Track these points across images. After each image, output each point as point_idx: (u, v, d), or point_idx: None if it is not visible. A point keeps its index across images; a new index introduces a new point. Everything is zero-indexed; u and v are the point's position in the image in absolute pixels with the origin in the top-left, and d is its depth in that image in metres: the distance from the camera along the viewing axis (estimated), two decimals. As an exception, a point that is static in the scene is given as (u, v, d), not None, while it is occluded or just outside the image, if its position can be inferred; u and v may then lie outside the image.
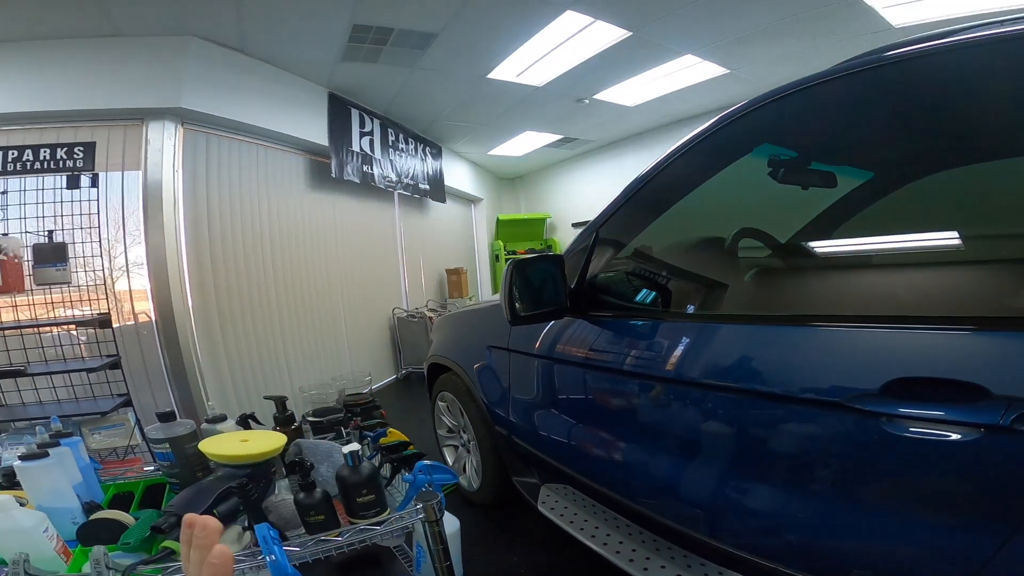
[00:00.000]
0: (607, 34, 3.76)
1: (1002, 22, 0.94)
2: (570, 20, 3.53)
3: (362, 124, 4.99)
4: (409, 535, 1.75)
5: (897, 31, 3.85)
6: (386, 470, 1.74)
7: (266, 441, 1.60)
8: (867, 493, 0.93)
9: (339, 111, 4.67)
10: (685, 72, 4.64)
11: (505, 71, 4.41)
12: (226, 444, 1.57)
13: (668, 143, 1.44)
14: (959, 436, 0.80)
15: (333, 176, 4.50)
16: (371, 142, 5.11)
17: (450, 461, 2.61)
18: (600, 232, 1.51)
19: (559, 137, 6.77)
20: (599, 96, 5.24)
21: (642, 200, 1.49)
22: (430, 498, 1.37)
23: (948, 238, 1.03)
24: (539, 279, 1.43)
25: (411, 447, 1.86)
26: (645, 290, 1.43)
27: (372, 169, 5.07)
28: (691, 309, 1.38)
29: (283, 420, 2.10)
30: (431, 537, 1.38)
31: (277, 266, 4.21)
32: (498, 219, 8.51)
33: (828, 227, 1.33)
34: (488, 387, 2.03)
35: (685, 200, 1.45)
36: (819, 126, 1.27)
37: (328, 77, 4.38)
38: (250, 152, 4.01)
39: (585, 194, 7.99)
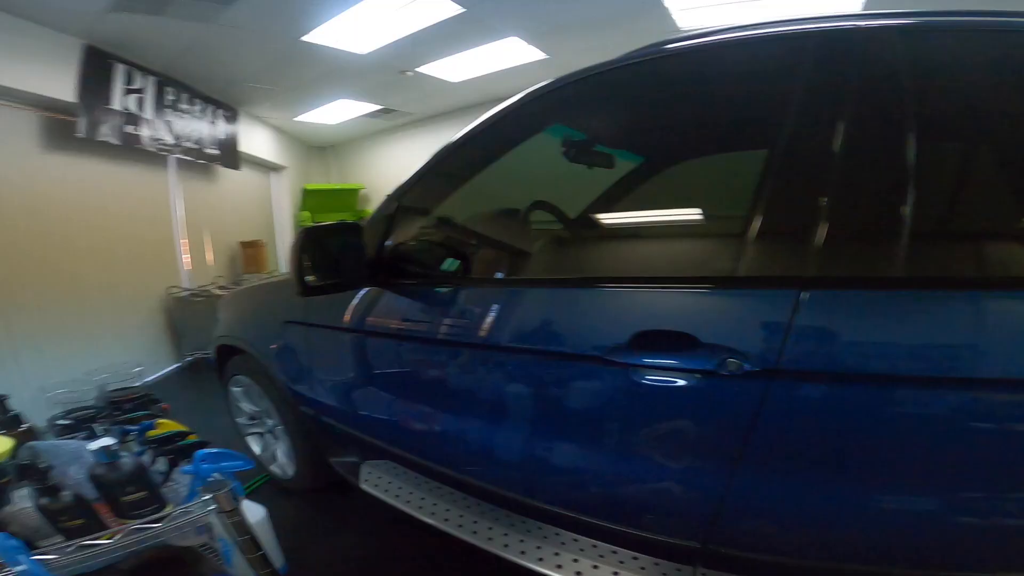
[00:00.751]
0: (441, 7, 3.59)
1: (756, 26, 1.11)
2: (404, -12, 3.28)
3: (129, 80, 4.07)
4: (212, 529, 1.61)
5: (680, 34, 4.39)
6: (162, 464, 1.60)
7: None
8: (633, 441, 1.03)
9: (97, 65, 3.74)
10: (509, 54, 4.69)
11: (325, 35, 3.95)
12: (-80, 457, 1.29)
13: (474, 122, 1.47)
14: (684, 382, 0.92)
15: (81, 136, 3.64)
16: (140, 100, 4.22)
17: (258, 450, 2.38)
18: (402, 201, 1.49)
19: (378, 107, 6.39)
20: (423, 69, 5.05)
21: (444, 171, 1.50)
22: (219, 487, 1.27)
23: (682, 215, 1.29)
24: (332, 249, 1.37)
25: (191, 436, 1.74)
26: (445, 258, 1.44)
27: (139, 130, 4.21)
28: (490, 276, 1.45)
29: (6, 423, 1.77)
30: (231, 528, 1.29)
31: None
32: (305, 189, 7.83)
33: (607, 204, 1.59)
34: (288, 366, 1.87)
35: (485, 172, 1.51)
36: (602, 111, 1.43)
37: (89, 29, 3.47)
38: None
39: (402, 166, 7.56)
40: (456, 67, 5.02)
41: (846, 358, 0.82)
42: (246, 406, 2.35)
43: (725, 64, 1.14)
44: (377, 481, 1.68)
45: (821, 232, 0.86)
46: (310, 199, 7.78)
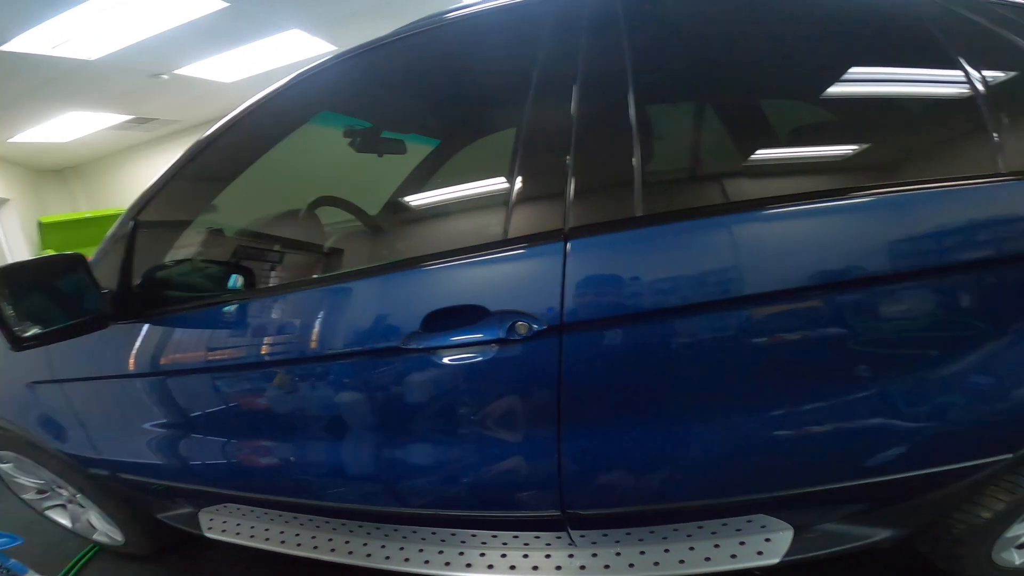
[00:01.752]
0: (199, 3, 3.00)
1: None
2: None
3: None
4: None
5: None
6: None
7: None
8: (459, 425, 1.02)
9: None
10: (291, 48, 4.22)
11: (32, 42, 3.02)
12: None
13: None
14: (484, 355, 0.93)
15: None
16: None
17: (68, 523, 2.01)
18: (141, 218, 1.31)
19: (130, 117, 5.32)
20: (183, 71, 4.31)
21: (196, 176, 1.34)
22: None
23: (456, 192, 1.32)
24: (48, 288, 1.19)
25: None
26: (219, 274, 1.30)
27: None
28: (279, 283, 1.36)
29: None
30: None
31: None
32: (40, 223, 6.40)
33: (398, 190, 1.58)
34: (52, 431, 1.59)
35: (250, 172, 1.38)
36: (382, 93, 1.40)
37: None
38: None
39: (173, 179, 6.58)
40: (228, 66, 4.39)
41: (619, 300, 0.86)
42: (26, 481, 1.95)
43: (483, 35, 1.16)
44: (223, 526, 1.51)
45: (574, 186, 0.91)
46: (50, 234, 6.38)
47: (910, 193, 0.83)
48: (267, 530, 1.45)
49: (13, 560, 1.11)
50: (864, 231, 0.82)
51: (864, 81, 1.04)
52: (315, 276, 1.32)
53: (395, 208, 1.56)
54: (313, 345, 1.09)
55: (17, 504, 2.08)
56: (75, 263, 1.18)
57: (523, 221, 0.94)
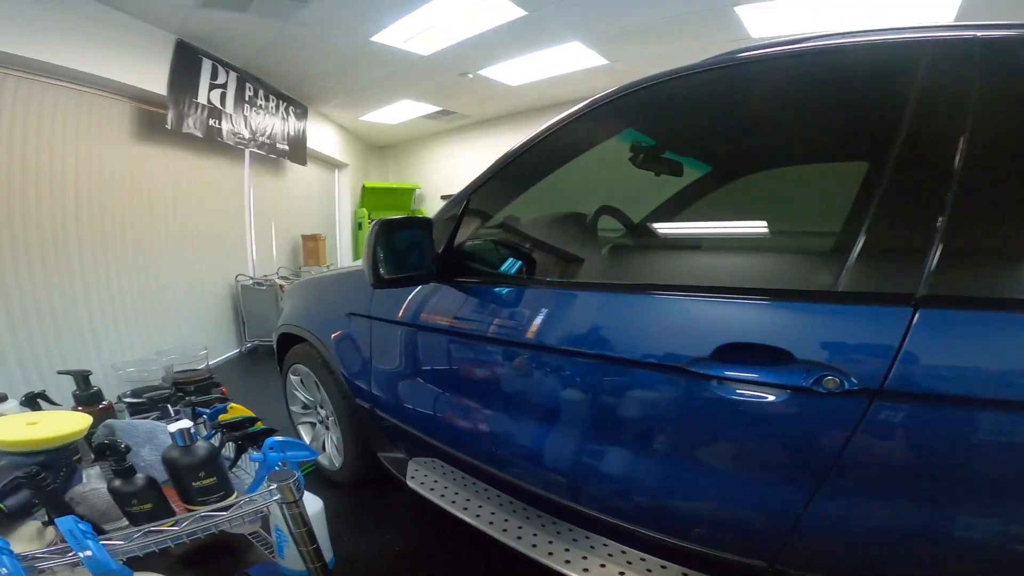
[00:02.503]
0: (503, 10, 3.65)
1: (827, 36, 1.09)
2: (470, -9, 3.36)
3: (214, 76, 4.34)
4: (266, 519, 1.61)
5: (754, 41, 4.27)
6: (229, 450, 1.58)
7: (62, 423, 1.39)
8: (706, 454, 1.01)
9: (187, 60, 4.01)
10: (569, 58, 4.69)
11: (392, 35, 4.09)
12: (9, 428, 1.33)
13: (541, 125, 1.47)
14: (774, 397, 0.90)
15: (169, 128, 3.91)
16: (222, 95, 4.49)
17: (307, 439, 2.43)
18: (470, 201, 1.49)
19: (438, 109, 6.52)
20: (483, 72, 5.12)
21: (513, 173, 1.49)
22: (285, 477, 1.26)
23: (766, 226, 1.27)
24: (405, 243, 1.38)
25: (259, 423, 1.72)
26: (511, 259, 1.44)
27: (220, 124, 4.49)
28: (555, 278, 1.43)
29: (86, 399, 1.81)
30: (291, 520, 1.27)
31: (83, 222, 3.50)
32: (364, 186, 8.11)
33: (674, 210, 1.56)
34: (348, 358, 1.89)
35: (553, 176, 1.50)
36: (673, 118, 1.44)
37: (180, 23, 3.73)
38: (59, 96, 3.28)
39: (456, 168, 7.84)
40: (516, 71, 5.05)
41: (957, 380, 0.79)
42: (302, 395, 2.38)
43: (813, 72, 1.11)
44: (424, 479, 1.66)
45: (937, 248, 0.82)
46: (369, 196, 8.04)
47: None
48: (457, 494, 1.54)
49: (300, 472, 1.34)
50: None
51: None
52: (595, 280, 1.38)
53: (678, 230, 1.57)
54: (574, 341, 1.16)
55: (279, 410, 2.56)
56: (425, 226, 1.39)
57: (862, 275, 0.89)
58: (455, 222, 1.47)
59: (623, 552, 1.22)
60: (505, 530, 1.38)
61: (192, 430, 1.32)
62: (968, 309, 0.80)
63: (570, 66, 4.85)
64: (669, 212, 1.57)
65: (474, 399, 1.46)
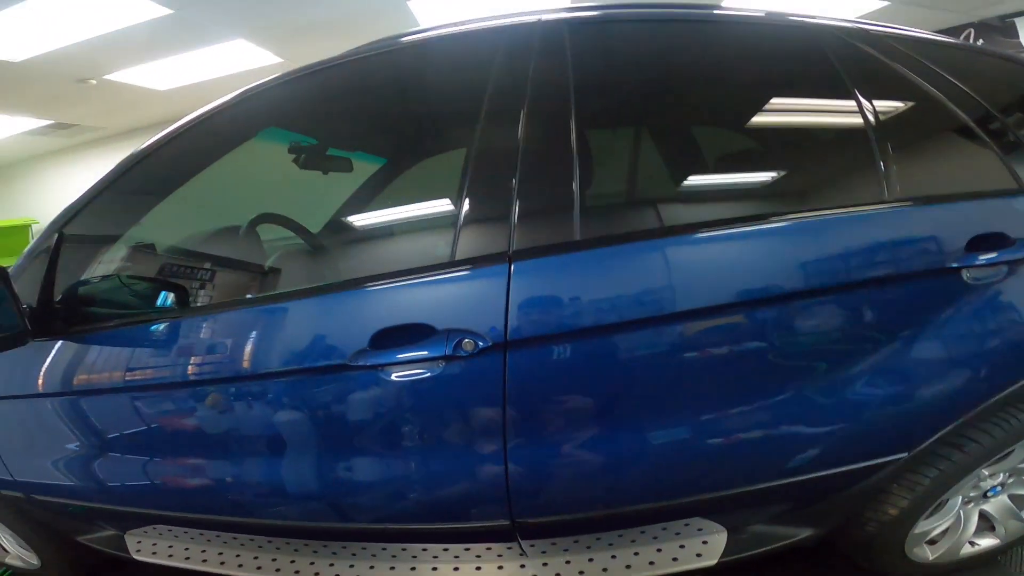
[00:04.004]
0: (141, 9, 2.90)
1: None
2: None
3: None
4: None
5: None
6: None
7: None
8: (405, 439, 1.06)
9: None
10: (236, 58, 4.12)
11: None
12: None
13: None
14: (431, 371, 0.97)
15: None
16: None
17: None
18: (67, 231, 1.28)
19: (48, 122, 5.02)
20: (113, 77, 4.14)
21: (131, 188, 1.33)
22: None
23: (412, 212, 1.37)
24: None
25: None
26: (151, 291, 1.28)
27: None
28: (212, 301, 1.34)
29: None
30: None
31: None
32: None
33: (343, 209, 1.60)
34: None
35: (188, 187, 1.37)
36: (332, 111, 1.43)
37: None
38: None
39: (92, 190, 6.22)
40: (164, 73, 4.24)
41: (560, 318, 0.93)
42: None
43: (436, 60, 1.21)
44: (153, 548, 1.44)
45: (518, 210, 0.98)
46: None
47: (815, 219, 0.98)
48: (204, 551, 1.40)
49: None
50: (779, 253, 0.95)
51: (776, 111, 1.19)
52: (257, 295, 1.32)
53: (340, 227, 1.59)
54: (254, 364, 1.09)
55: None
56: None
57: (470, 242, 1.00)
58: (51, 260, 1.21)
59: (403, 549, 1.24)
60: (278, 569, 1.30)
61: None
62: (546, 256, 0.96)
63: (239, 65, 4.28)
64: (333, 210, 1.58)
65: (157, 454, 1.29)
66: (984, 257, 0.97)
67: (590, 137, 1.10)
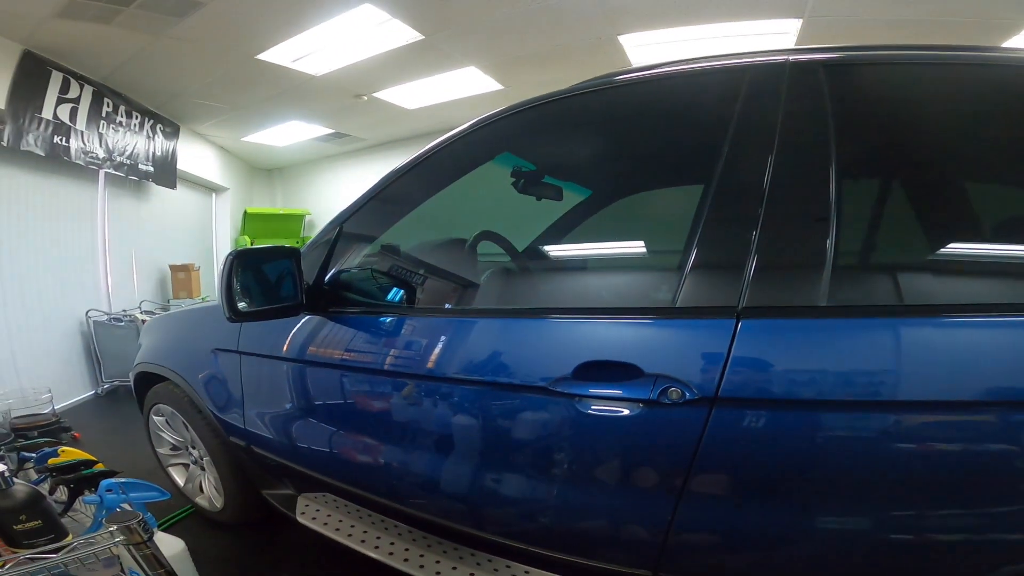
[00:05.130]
0: (400, 34, 3.62)
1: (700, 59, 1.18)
2: (367, 13, 3.29)
3: (65, 89, 3.86)
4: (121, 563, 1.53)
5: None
6: (62, 493, 1.57)
7: None
8: (581, 471, 1.05)
9: (33, 71, 3.57)
10: (465, 83, 4.75)
11: (280, 54, 3.88)
12: None
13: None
14: (628, 411, 0.95)
15: (5, 145, 3.44)
16: (73, 111, 4.02)
17: (181, 482, 2.24)
18: (344, 227, 1.47)
19: (330, 131, 6.29)
20: (379, 94, 5.03)
21: (390, 198, 1.49)
22: (127, 518, 1.21)
23: (626, 248, 1.36)
24: (267, 274, 1.34)
25: (98, 466, 1.70)
26: (390, 286, 1.42)
27: (69, 141, 3.99)
28: (436, 305, 1.45)
29: None
30: (144, 562, 1.21)
31: None
32: (246, 212, 7.52)
33: (553, 236, 1.63)
34: (216, 395, 1.77)
35: (432, 200, 1.51)
36: (552, 141, 1.48)
37: (29, 33, 3.31)
38: None
39: (350, 192, 7.41)
40: (412, 94, 5.02)
41: (781, 385, 0.86)
42: (168, 436, 2.20)
43: (667, 97, 1.20)
44: (315, 514, 1.58)
45: (754, 264, 0.91)
46: (251, 223, 7.47)
47: None
48: (353, 527, 1.50)
49: (149, 513, 1.34)
50: None
51: None
52: (475, 307, 1.42)
53: (549, 253, 1.67)
54: (457, 368, 1.17)
55: (146, 453, 2.38)
56: (290, 255, 1.34)
57: (696, 290, 0.96)
58: (329, 249, 1.43)
59: (527, 573, 1.22)
60: (406, 559, 1.35)
61: (7, 473, 1.31)
62: (782, 317, 0.88)
63: (466, 91, 4.92)
64: (547, 237, 1.63)
65: (357, 431, 1.43)
66: None
67: (846, 191, 0.96)
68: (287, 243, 7.47)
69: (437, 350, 1.22)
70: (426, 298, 1.45)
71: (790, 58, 1.05)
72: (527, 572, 1.21)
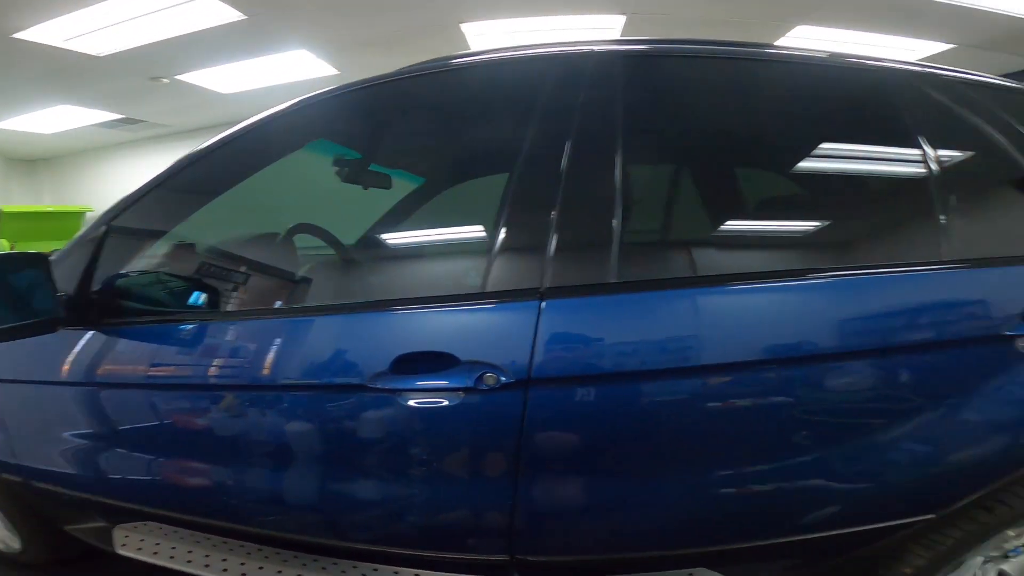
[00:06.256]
0: (217, 13, 3.14)
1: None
2: (172, -11, 2.75)
3: None
4: None
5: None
6: None
7: None
8: (418, 465, 1.03)
9: None
10: (296, 67, 4.35)
11: (47, 33, 3.11)
12: None
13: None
14: (450, 401, 0.95)
15: None
16: None
17: None
18: (116, 224, 1.28)
19: (118, 116, 5.31)
20: (184, 77, 4.39)
21: (181, 188, 1.33)
22: None
23: (443, 236, 1.36)
24: (16, 284, 1.16)
25: None
26: (187, 290, 1.28)
27: None
28: (242, 308, 1.34)
29: None
30: None
31: None
32: (2, 211, 6.10)
33: (380, 226, 1.56)
34: None
35: (236, 191, 1.37)
36: (377, 128, 1.43)
37: None
38: None
39: (150, 185, 6.48)
40: (230, 77, 4.48)
41: (585, 361, 0.92)
42: None
43: (481, 84, 1.22)
44: (140, 544, 1.40)
45: (553, 245, 0.95)
46: (10, 224, 6.03)
47: (860, 277, 0.94)
48: (190, 552, 1.36)
49: None
50: (817, 311, 0.92)
51: (832, 157, 1.14)
52: (284, 306, 1.32)
53: (372, 244, 1.55)
54: (273, 373, 1.09)
55: None
56: (36, 261, 1.15)
57: (503, 274, 0.98)
58: (94, 251, 1.22)
59: (395, 573, 1.19)
60: (243, 575, 1.26)
61: None
62: (579, 296, 0.94)
63: (297, 75, 4.50)
64: (371, 228, 1.56)
65: (165, 452, 1.28)
66: None
67: (633, 174, 1.04)
68: (60, 246, 6.14)
69: (251, 356, 1.13)
70: (234, 300, 1.32)
71: (595, 48, 1.11)
72: (396, 572, 1.18)
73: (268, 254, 1.46)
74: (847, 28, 3.87)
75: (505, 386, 0.90)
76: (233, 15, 3.21)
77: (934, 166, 1.02)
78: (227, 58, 4.02)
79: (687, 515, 0.97)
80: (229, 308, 1.30)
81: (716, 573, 1.02)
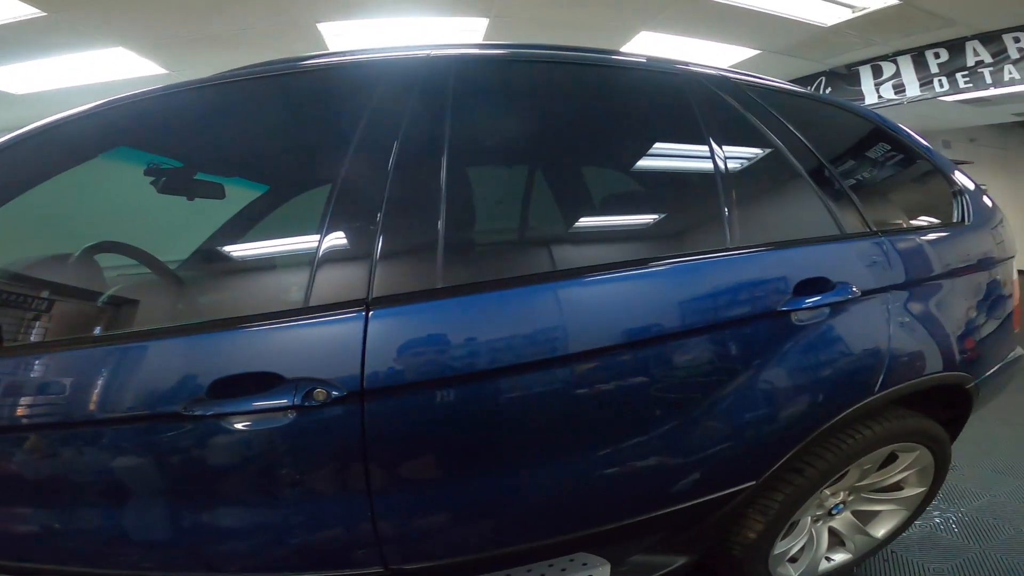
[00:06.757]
0: (8, 9, 2.57)
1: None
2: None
3: None
4: None
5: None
6: None
7: None
8: (263, 490, 0.99)
9: None
10: (113, 65, 3.76)
11: None
12: None
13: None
14: (277, 422, 0.91)
15: None
16: None
17: None
18: None
19: None
20: None
21: None
22: None
23: (272, 248, 1.28)
24: None
25: None
26: None
27: None
28: (38, 340, 1.17)
29: None
30: None
31: None
32: None
33: (213, 240, 1.42)
34: None
35: (13, 205, 1.20)
36: (205, 134, 1.29)
37: None
38: None
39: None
40: (24, 76, 3.75)
41: (416, 368, 0.92)
42: None
43: (315, 89, 1.17)
44: None
45: (378, 254, 0.95)
46: None
47: (676, 264, 1.04)
48: None
49: None
50: (633, 299, 1.00)
51: (649, 156, 1.23)
52: (84, 334, 1.16)
53: (198, 260, 1.39)
54: (81, 408, 0.98)
55: None
56: None
57: (327, 286, 0.95)
58: None
59: None
60: None
61: None
62: (406, 304, 0.94)
63: (115, 74, 3.89)
64: (201, 241, 1.39)
65: None
66: (809, 300, 1.05)
67: (460, 178, 1.07)
68: None
69: (52, 392, 1.02)
70: (26, 333, 1.15)
71: (431, 52, 1.11)
72: None
73: (64, 276, 1.25)
74: (680, 35, 4.24)
75: (338, 400, 0.89)
76: (30, 11, 2.67)
77: (720, 162, 1.13)
78: (21, 56, 3.36)
79: (551, 504, 1.00)
80: (17, 343, 1.08)
81: (595, 556, 1.08)
